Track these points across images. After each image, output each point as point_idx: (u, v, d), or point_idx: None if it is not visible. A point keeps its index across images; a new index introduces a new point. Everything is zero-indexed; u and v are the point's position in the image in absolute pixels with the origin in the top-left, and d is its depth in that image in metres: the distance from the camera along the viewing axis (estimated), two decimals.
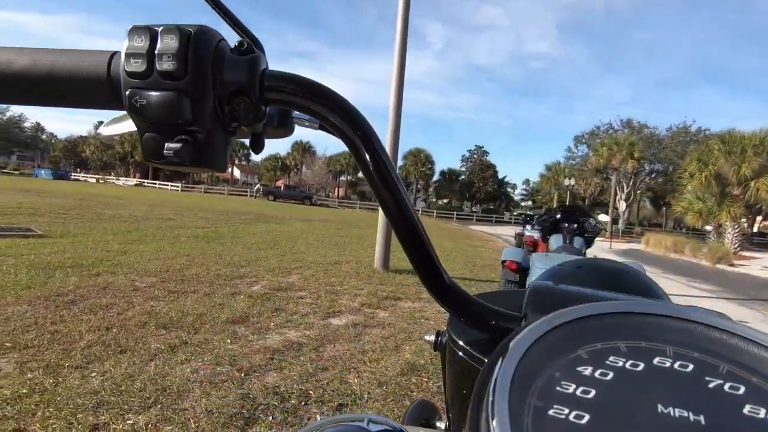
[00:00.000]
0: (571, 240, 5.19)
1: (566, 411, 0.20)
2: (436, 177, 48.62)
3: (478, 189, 48.49)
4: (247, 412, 1.94)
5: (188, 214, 12.08)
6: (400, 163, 19.81)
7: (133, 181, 42.75)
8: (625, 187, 32.81)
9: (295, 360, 2.58)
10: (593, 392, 0.21)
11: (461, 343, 0.43)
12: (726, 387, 0.21)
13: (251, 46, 0.31)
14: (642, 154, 30.96)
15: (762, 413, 0.20)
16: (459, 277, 6.25)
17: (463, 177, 50.20)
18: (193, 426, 1.80)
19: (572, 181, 33.92)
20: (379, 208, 5.85)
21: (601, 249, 15.61)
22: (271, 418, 1.92)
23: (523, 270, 3.80)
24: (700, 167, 20.05)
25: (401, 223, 0.36)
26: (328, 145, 59.29)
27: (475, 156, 50.81)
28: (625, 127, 35.15)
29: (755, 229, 26.79)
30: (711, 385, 0.22)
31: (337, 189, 51.61)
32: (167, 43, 0.28)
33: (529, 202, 52.36)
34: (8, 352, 2.32)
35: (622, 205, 31.96)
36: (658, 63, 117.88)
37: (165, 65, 0.28)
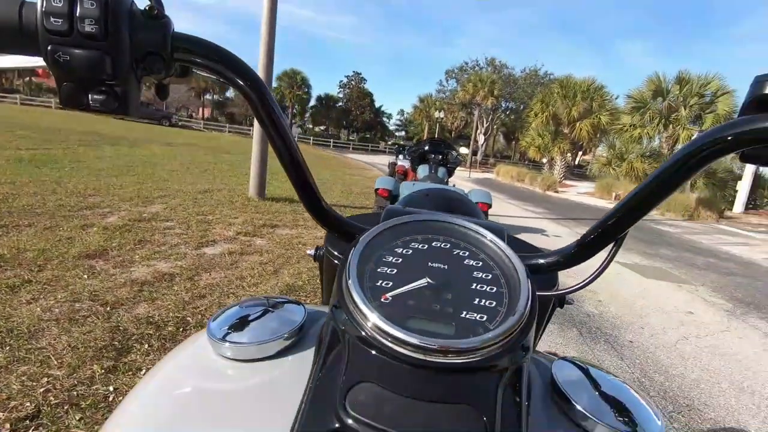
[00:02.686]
0: (436, 170, 5.77)
1: (386, 268, 0.36)
2: (312, 102, 46.83)
3: (355, 117, 48.39)
4: (119, 344, 1.90)
5: (3, 130, 9.69)
6: (274, 84, 18.45)
7: None
8: (485, 122, 36.28)
9: (168, 290, 2.52)
10: (400, 259, 0.37)
11: (335, 251, 0.57)
12: (460, 252, 0.40)
13: (161, 11, 0.34)
14: (500, 92, 34.17)
15: (472, 262, 0.38)
16: (336, 205, 6.48)
17: (340, 104, 49.26)
18: (55, 362, 1.71)
19: (441, 114, 36.18)
20: (253, 134, 5.60)
21: (461, 178, 17.50)
22: (147, 345, 1.91)
23: (394, 197, 4.16)
24: (543, 107, 23.24)
25: (288, 159, 0.45)
26: None
27: (353, 83, 49.83)
28: (488, 66, 37.93)
29: (576, 162, 32.74)
30: (454, 252, 0.40)
31: (201, 109, 46.19)
32: (88, 8, 0.31)
33: (403, 133, 54.28)
34: None
35: (481, 139, 35.57)
36: (524, 6, 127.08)
37: (87, 28, 0.31)
